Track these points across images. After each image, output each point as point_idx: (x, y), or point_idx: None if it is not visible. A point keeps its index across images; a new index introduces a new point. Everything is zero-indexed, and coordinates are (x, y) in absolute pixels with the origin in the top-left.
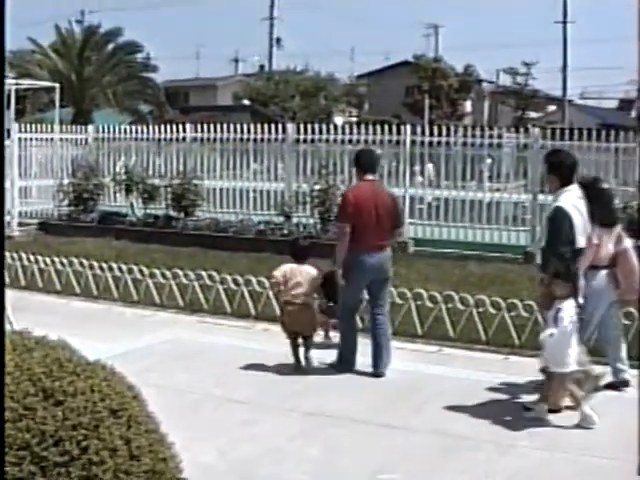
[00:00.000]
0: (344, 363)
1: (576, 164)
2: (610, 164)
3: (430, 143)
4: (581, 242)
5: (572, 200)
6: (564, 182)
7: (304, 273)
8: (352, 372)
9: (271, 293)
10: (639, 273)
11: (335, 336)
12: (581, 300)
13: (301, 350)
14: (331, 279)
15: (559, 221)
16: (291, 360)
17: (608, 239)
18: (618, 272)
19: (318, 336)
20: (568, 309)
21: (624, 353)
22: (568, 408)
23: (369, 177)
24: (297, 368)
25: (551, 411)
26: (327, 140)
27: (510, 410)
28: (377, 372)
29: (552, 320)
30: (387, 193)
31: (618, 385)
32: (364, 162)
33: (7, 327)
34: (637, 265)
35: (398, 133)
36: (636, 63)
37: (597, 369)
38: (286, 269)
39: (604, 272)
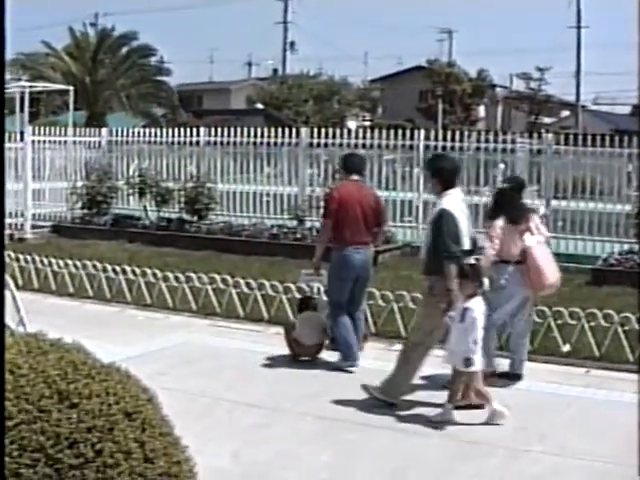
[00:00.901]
0: (347, 359)
1: (458, 168)
2: (623, 170)
3: (444, 148)
4: (466, 244)
5: (455, 203)
6: (446, 186)
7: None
8: (357, 366)
9: (284, 297)
10: (546, 268)
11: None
12: (490, 295)
13: None
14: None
15: (446, 223)
16: (304, 365)
17: (516, 235)
18: (527, 268)
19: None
20: (476, 308)
21: (525, 349)
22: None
23: (354, 177)
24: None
25: (462, 407)
26: (340, 144)
27: (523, 415)
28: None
29: (459, 319)
30: (370, 192)
31: (511, 377)
32: (350, 164)
33: (20, 329)
34: (544, 261)
35: (411, 138)
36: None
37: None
38: None
39: (513, 267)
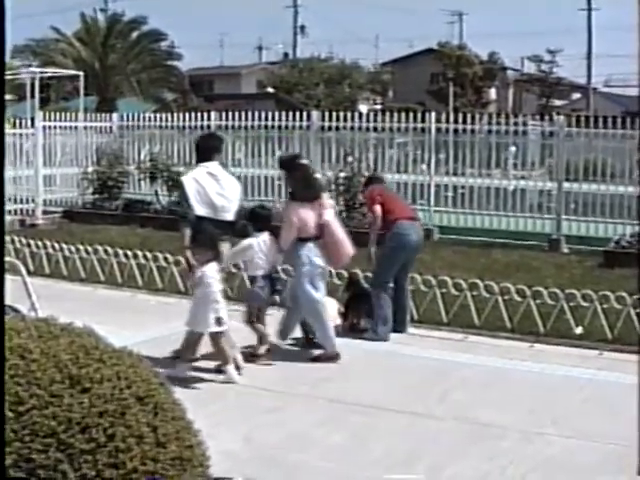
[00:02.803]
0: (382, 328)
1: (215, 146)
2: (634, 152)
3: (455, 130)
4: (199, 210)
5: (197, 174)
6: (200, 159)
7: None
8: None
9: None
10: (344, 241)
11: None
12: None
13: None
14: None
15: (181, 192)
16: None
17: (312, 212)
18: (324, 243)
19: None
20: (210, 273)
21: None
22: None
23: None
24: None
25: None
26: (352, 128)
27: (535, 398)
28: (403, 330)
29: (198, 284)
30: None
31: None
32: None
33: (32, 314)
34: (341, 234)
35: (423, 120)
36: None
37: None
38: None
39: (310, 243)
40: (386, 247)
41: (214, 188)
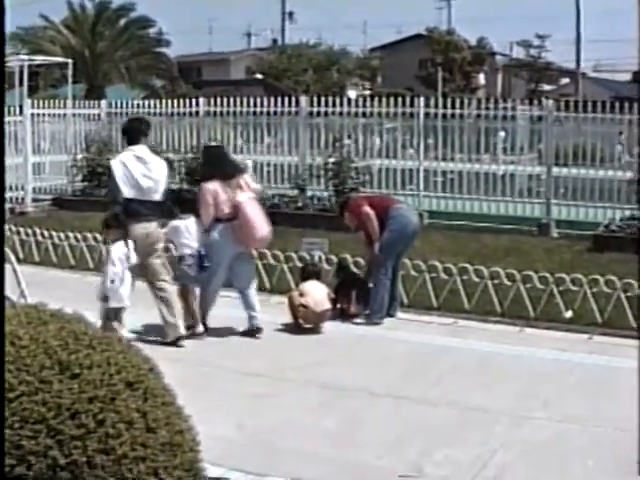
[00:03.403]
0: (378, 311)
1: (141, 129)
2: (624, 136)
3: (444, 116)
4: (126, 192)
5: (124, 157)
6: (130, 142)
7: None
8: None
9: (285, 267)
10: (257, 222)
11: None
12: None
13: None
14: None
15: (109, 174)
16: (308, 333)
17: (226, 193)
18: (238, 223)
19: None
20: (116, 252)
21: (256, 300)
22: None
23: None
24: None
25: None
26: (341, 113)
27: (526, 382)
28: (393, 314)
29: (105, 261)
30: None
31: (253, 332)
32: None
33: (21, 301)
34: (254, 216)
35: (412, 105)
36: None
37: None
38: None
39: (223, 225)
40: (387, 232)
41: (141, 170)
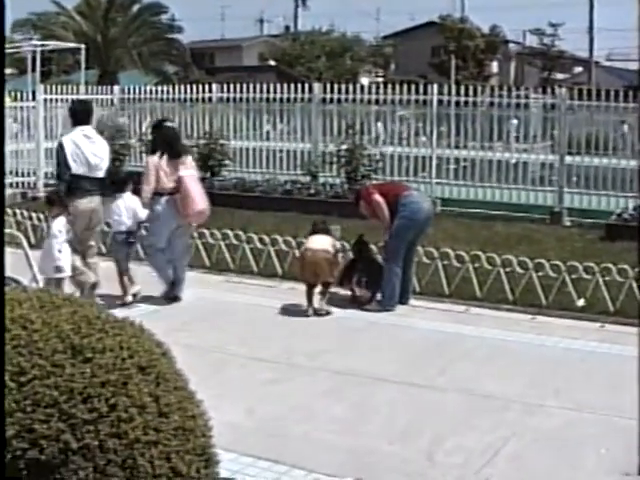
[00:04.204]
0: (389, 298)
1: (89, 111)
2: (634, 125)
3: (457, 103)
4: (75, 169)
5: (74, 136)
6: (76, 123)
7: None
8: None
9: (297, 252)
10: (196, 196)
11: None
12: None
13: (317, 298)
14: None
15: (57, 152)
16: (317, 319)
17: (172, 170)
18: (179, 197)
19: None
20: (57, 225)
21: (184, 274)
22: None
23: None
24: (307, 314)
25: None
26: (354, 100)
27: (537, 370)
28: (405, 301)
29: (47, 235)
30: None
31: (170, 298)
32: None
33: (33, 285)
34: (194, 190)
35: (425, 93)
36: None
37: (92, 276)
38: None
39: (165, 198)
40: (397, 219)
41: (89, 148)
